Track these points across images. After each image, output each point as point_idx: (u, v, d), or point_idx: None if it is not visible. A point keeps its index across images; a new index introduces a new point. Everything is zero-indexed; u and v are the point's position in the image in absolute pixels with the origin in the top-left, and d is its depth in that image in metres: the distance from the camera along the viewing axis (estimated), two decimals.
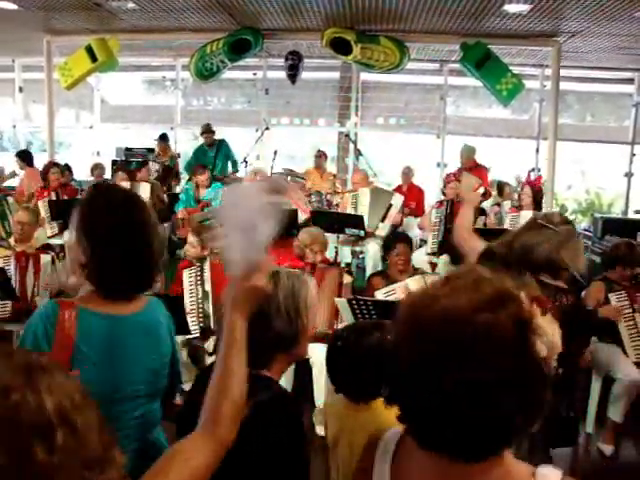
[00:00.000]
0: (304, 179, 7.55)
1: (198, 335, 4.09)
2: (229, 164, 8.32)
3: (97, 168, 8.39)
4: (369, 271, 5.71)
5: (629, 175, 8.94)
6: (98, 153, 9.90)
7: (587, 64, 8.52)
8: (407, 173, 7.80)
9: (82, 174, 8.59)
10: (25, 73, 9.88)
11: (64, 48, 8.09)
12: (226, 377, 1.23)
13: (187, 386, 1.86)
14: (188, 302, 4.15)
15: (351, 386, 1.92)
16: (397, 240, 4.51)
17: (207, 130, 8.21)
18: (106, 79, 9.82)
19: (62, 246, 4.99)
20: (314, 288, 1.65)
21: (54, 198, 6.50)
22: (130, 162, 8.29)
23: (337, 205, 6.85)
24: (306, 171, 7.92)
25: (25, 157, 7.82)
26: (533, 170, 8.34)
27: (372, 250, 5.95)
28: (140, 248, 1.65)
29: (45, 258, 4.40)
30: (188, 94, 9.90)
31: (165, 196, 7.19)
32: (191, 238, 4.58)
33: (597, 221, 7.31)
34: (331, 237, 5.50)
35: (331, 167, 8.71)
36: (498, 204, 6.66)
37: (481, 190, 2.92)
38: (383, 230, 6.03)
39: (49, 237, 5.77)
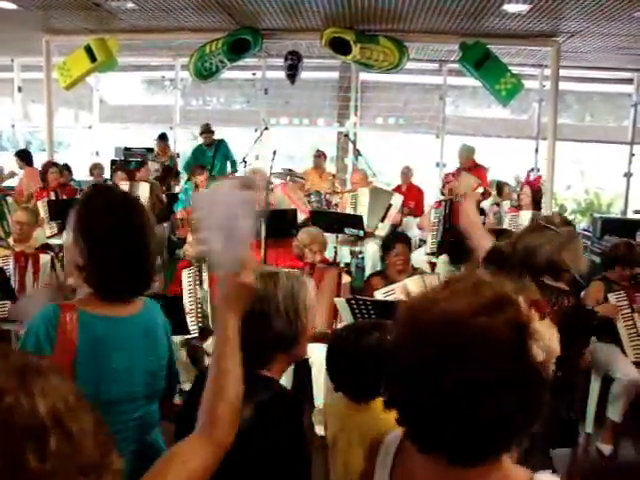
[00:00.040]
0: (303, 179, 7.55)
1: (197, 335, 4.08)
2: (228, 164, 8.32)
3: (96, 168, 8.38)
4: (368, 271, 5.71)
5: (628, 175, 8.94)
6: (97, 153, 9.89)
7: (586, 64, 8.53)
8: (406, 173, 7.80)
9: (81, 174, 8.58)
10: (24, 73, 9.87)
11: (63, 48, 8.08)
12: (221, 377, 1.21)
13: (186, 386, 1.86)
14: (187, 302, 4.14)
15: (351, 386, 1.92)
16: (396, 240, 4.51)
17: (206, 130, 8.20)
18: (105, 79, 9.82)
19: (61, 246, 4.98)
20: (313, 289, 1.67)
21: (53, 198, 6.50)
22: (129, 162, 8.29)
23: (336, 205, 6.85)
24: (305, 171, 7.92)
25: (24, 157, 7.81)
26: (532, 170, 8.34)
27: (371, 250, 5.95)
28: (138, 250, 1.65)
29: (44, 258, 4.40)
30: (187, 94, 9.89)
31: (164, 196, 7.19)
32: (191, 237, 4.58)
33: (596, 221, 7.32)
34: (330, 237, 5.50)
35: (330, 167, 8.71)
36: (497, 204, 6.66)
37: (480, 190, 2.93)
38: (383, 230, 6.02)
39: (48, 237, 5.76)
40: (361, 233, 5.90)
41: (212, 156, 8.12)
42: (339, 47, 7.32)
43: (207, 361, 3.78)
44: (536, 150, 8.90)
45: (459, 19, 6.67)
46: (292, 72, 7.89)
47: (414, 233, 6.64)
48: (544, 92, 8.58)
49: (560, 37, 7.12)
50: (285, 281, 1.60)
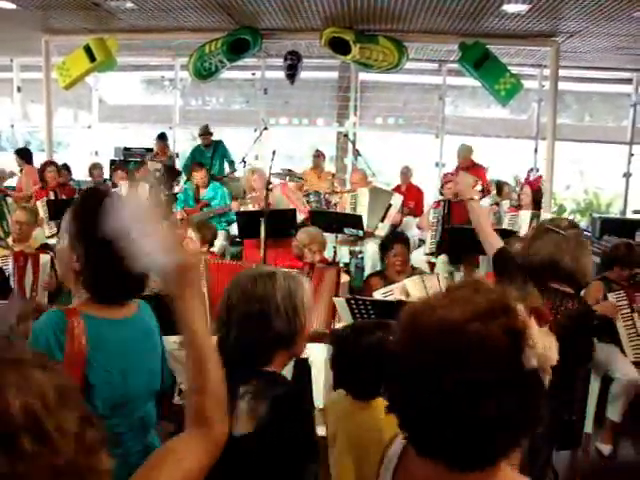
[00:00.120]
0: (302, 179, 7.55)
1: None
2: (226, 164, 8.33)
3: (96, 168, 8.37)
4: (368, 271, 5.70)
5: (627, 175, 8.95)
6: (96, 153, 9.89)
7: (585, 64, 8.53)
8: (406, 173, 7.80)
9: (80, 174, 8.58)
10: (23, 73, 9.86)
11: (62, 48, 8.08)
12: (203, 377, 1.17)
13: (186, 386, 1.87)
14: None
15: (353, 384, 1.95)
16: (395, 241, 4.50)
17: (205, 132, 8.21)
18: (104, 79, 9.81)
19: None
20: (309, 288, 1.71)
21: (52, 198, 6.49)
22: (128, 162, 8.29)
23: (335, 205, 6.85)
24: (304, 171, 7.92)
25: (24, 155, 7.81)
26: (532, 170, 8.34)
27: (371, 250, 5.94)
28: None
29: (44, 258, 4.40)
30: (187, 94, 9.89)
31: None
32: (191, 233, 4.58)
33: (595, 221, 7.32)
34: (330, 237, 5.50)
35: (330, 167, 8.71)
36: (497, 203, 6.66)
37: (479, 187, 2.93)
38: (382, 230, 6.02)
39: (48, 237, 5.76)
40: (360, 233, 5.90)
41: (210, 157, 8.12)
42: (338, 47, 7.31)
43: None
44: (535, 150, 8.90)
45: (458, 19, 6.68)
46: (292, 72, 7.88)
47: (413, 233, 6.64)
48: (543, 92, 8.58)
49: (559, 37, 7.12)
50: (282, 281, 1.64)
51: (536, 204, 6.06)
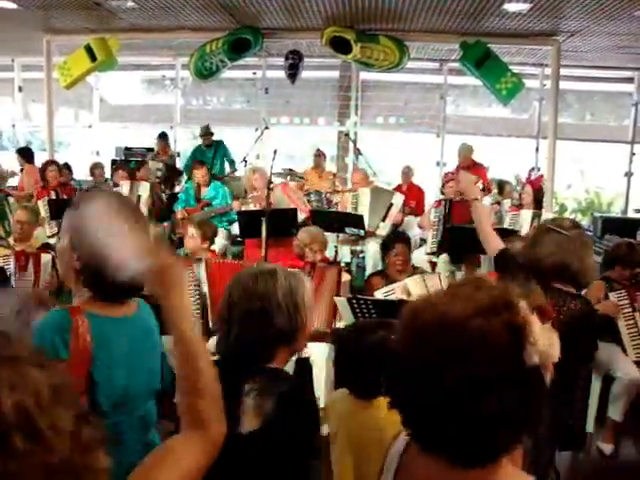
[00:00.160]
0: (302, 179, 7.55)
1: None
2: (227, 164, 8.33)
3: (97, 167, 8.38)
4: (369, 271, 5.70)
5: (629, 174, 8.93)
6: (97, 152, 9.89)
7: (587, 63, 8.52)
8: (407, 172, 7.80)
9: (81, 174, 8.58)
10: (24, 72, 9.86)
11: (63, 47, 8.08)
12: (197, 379, 1.15)
13: None
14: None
15: (355, 383, 1.95)
16: (395, 240, 4.50)
17: (206, 132, 8.21)
18: (105, 78, 9.81)
19: None
20: (309, 285, 1.73)
21: (53, 197, 6.50)
22: (129, 161, 8.29)
23: (336, 204, 6.85)
24: (305, 171, 7.92)
25: (26, 154, 7.83)
26: (533, 169, 8.34)
27: (372, 250, 5.94)
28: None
29: (45, 257, 4.40)
30: (187, 93, 9.89)
31: (164, 195, 7.19)
32: (191, 230, 4.58)
33: (597, 220, 7.32)
34: (331, 236, 5.50)
35: (331, 166, 8.71)
36: (498, 202, 6.66)
37: (480, 185, 2.93)
38: (384, 230, 6.02)
39: (49, 237, 5.77)
40: (362, 233, 5.90)
41: (211, 157, 8.13)
42: (340, 46, 7.31)
43: None
44: (536, 149, 8.90)
45: (459, 18, 6.67)
46: (293, 71, 7.88)
47: (415, 232, 6.64)
48: (544, 91, 8.58)
49: (560, 36, 7.11)
50: (283, 278, 1.66)
51: (537, 203, 6.06)
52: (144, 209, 6.22)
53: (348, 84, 9.00)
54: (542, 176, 7.45)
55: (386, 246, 4.52)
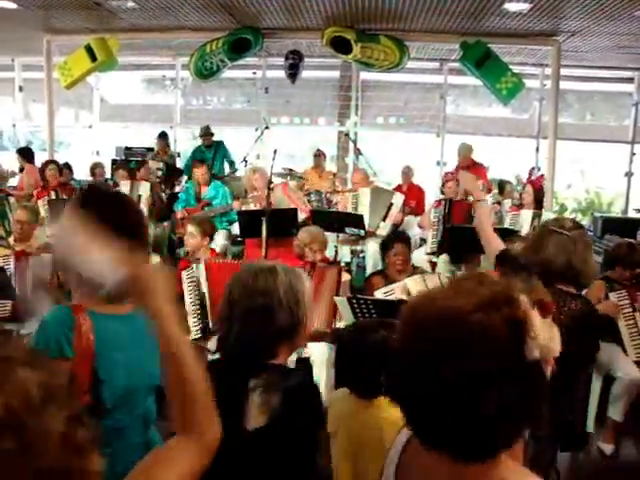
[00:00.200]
0: (302, 179, 7.55)
1: (200, 336, 4.09)
2: (226, 165, 8.34)
3: (97, 167, 8.38)
4: (370, 270, 5.70)
5: (629, 174, 8.93)
6: (97, 152, 9.89)
7: (587, 63, 8.52)
8: (407, 172, 7.80)
9: (81, 173, 8.58)
10: (25, 72, 9.86)
11: (64, 47, 8.09)
12: (186, 385, 1.12)
13: None
14: (189, 303, 4.15)
15: (356, 383, 1.96)
16: (395, 240, 4.50)
17: (206, 133, 8.22)
18: (105, 78, 9.81)
19: None
20: (308, 281, 1.75)
21: (53, 197, 6.50)
22: (130, 161, 8.30)
23: (337, 204, 6.85)
24: (305, 171, 7.92)
25: (26, 154, 7.84)
26: (534, 169, 8.34)
27: (372, 249, 5.95)
28: (136, 245, 1.66)
29: (45, 257, 4.40)
30: (188, 93, 9.89)
31: (164, 195, 7.19)
32: (191, 228, 4.59)
33: (597, 220, 7.32)
34: (331, 236, 5.50)
35: (331, 166, 8.71)
36: (498, 202, 6.66)
37: (480, 184, 2.94)
38: (384, 229, 6.02)
39: (49, 237, 5.76)
40: (362, 233, 5.90)
41: (212, 157, 8.13)
42: (340, 46, 7.32)
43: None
44: (537, 149, 8.89)
45: (460, 18, 6.67)
46: (293, 71, 7.88)
47: (415, 232, 6.64)
48: (545, 91, 8.57)
49: (561, 36, 7.11)
50: (283, 275, 1.67)
51: (538, 203, 6.06)
52: (144, 209, 6.22)
53: (348, 84, 9.00)
54: (543, 176, 7.46)
55: (385, 246, 4.52)
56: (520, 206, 6.15)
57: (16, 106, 10.07)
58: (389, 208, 6.17)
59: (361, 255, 6.42)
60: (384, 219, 6.13)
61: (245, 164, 7.37)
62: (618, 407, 3.85)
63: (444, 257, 5.66)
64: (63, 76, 7.78)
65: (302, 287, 1.69)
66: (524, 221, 5.77)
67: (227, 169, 8.28)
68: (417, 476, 1.06)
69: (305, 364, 3.83)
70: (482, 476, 0.96)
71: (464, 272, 5.56)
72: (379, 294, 3.74)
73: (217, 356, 1.78)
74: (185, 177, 8.12)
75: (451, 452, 0.94)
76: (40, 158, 7.90)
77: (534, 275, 2.21)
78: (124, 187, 6.63)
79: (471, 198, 4.19)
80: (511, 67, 7.22)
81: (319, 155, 8.00)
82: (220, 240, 6.01)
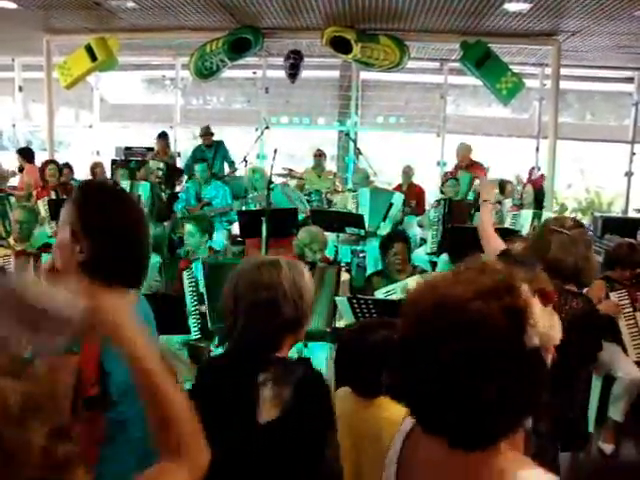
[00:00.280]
0: (302, 179, 7.55)
1: (199, 336, 4.09)
2: (226, 165, 8.34)
3: (97, 167, 8.38)
4: (370, 270, 5.71)
5: (629, 174, 8.93)
6: (97, 152, 9.88)
7: (587, 63, 8.52)
8: (407, 172, 7.78)
9: (81, 173, 8.57)
10: (25, 72, 9.86)
11: (64, 47, 8.08)
12: (167, 408, 1.08)
13: (188, 385, 1.88)
14: (189, 302, 4.15)
15: (357, 382, 1.96)
16: (394, 239, 4.51)
17: (206, 133, 8.21)
18: (105, 78, 9.81)
19: None
20: (308, 274, 1.78)
21: (53, 197, 6.50)
22: (129, 161, 8.29)
23: (337, 204, 6.84)
24: (305, 171, 7.91)
25: (26, 154, 7.84)
26: (534, 169, 8.33)
27: (372, 249, 5.95)
28: (139, 240, 1.67)
29: (45, 257, 4.40)
30: (188, 93, 9.89)
31: (164, 195, 7.19)
32: (188, 227, 4.60)
33: (597, 220, 7.31)
34: (331, 236, 5.50)
35: (331, 166, 8.71)
36: (499, 202, 6.66)
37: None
38: (384, 229, 6.02)
39: (49, 237, 5.76)
40: (362, 232, 5.90)
41: (212, 157, 8.13)
42: (340, 46, 7.31)
43: None
44: (537, 149, 8.89)
45: (460, 18, 6.67)
46: (293, 71, 7.88)
47: (415, 232, 6.64)
48: (545, 91, 8.57)
49: (561, 36, 7.11)
50: (287, 268, 1.70)
51: (538, 203, 6.06)
52: (144, 209, 6.22)
53: (348, 84, 8.99)
54: (543, 175, 7.46)
55: (385, 245, 4.53)
56: (520, 206, 6.15)
57: (16, 106, 10.07)
58: (389, 208, 6.17)
59: (361, 255, 6.42)
60: (384, 219, 6.14)
61: (245, 164, 7.36)
62: (618, 407, 3.85)
63: (444, 257, 5.66)
64: (63, 76, 7.78)
65: (304, 280, 1.72)
66: (524, 221, 5.77)
67: (227, 169, 8.28)
68: (418, 472, 1.06)
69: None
70: (482, 465, 0.96)
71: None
72: (379, 294, 3.75)
73: (220, 350, 1.79)
74: (185, 177, 8.12)
75: (451, 438, 0.94)
76: (40, 158, 7.89)
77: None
78: (124, 187, 6.63)
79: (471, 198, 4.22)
80: (511, 67, 7.22)
81: (319, 155, 7.99)
82: (220, 240, 6.01)
